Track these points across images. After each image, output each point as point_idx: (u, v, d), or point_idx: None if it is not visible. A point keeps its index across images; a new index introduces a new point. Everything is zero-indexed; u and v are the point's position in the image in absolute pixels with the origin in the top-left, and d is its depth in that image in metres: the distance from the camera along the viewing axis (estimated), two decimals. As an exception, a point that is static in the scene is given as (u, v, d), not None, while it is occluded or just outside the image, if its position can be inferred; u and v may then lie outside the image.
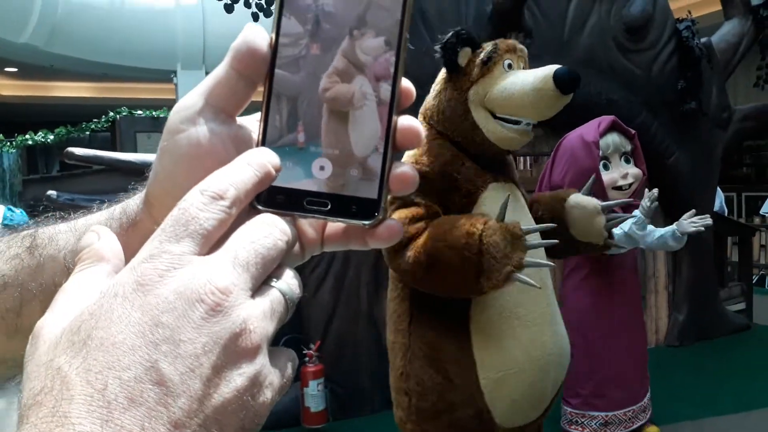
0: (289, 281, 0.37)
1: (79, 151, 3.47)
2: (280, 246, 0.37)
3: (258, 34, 0.39)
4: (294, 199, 0.39)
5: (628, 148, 2.96)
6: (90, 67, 13.30)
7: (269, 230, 0.36)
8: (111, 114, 9.96)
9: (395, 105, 0.40)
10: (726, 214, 7.20)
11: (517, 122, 1.79)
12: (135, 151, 8.05)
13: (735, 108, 5.30)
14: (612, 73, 4.43)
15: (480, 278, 1.64)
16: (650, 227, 2.94)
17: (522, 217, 1.86)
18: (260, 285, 0.36)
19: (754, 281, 5.98)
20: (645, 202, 2.72)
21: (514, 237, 1.65)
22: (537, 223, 1.91)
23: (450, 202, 1.84)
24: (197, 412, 0.31)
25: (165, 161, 0.40)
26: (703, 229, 2.89)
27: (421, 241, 1.73)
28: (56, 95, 14.96)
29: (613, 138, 2.93)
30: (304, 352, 3.34)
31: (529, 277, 1.75)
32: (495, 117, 1.81)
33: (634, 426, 3.08)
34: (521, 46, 1.87)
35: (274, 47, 0.40)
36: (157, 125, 9.89)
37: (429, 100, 1.94)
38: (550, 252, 2.01)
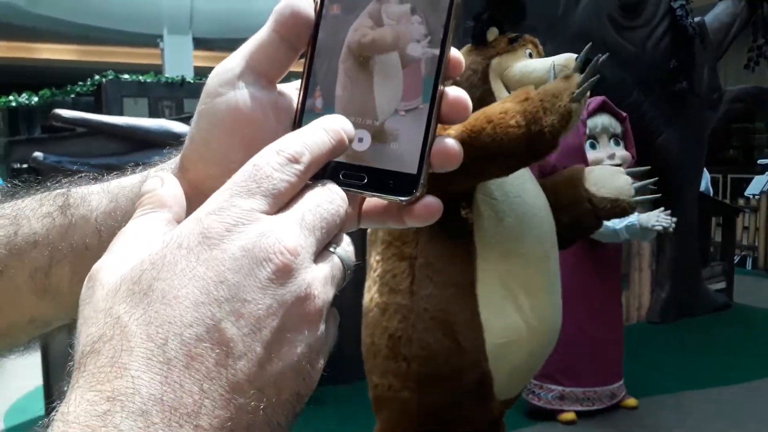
0: (347, 248, 0.37)
1: (65, 113, 3.41)
2: (342, 213, 0.36)
3: None
4: (331, 170, 0.37)
5: (618, 130, 2.97)
6: (72, 29, 13.02)
7: (333, 196, 0.36)
8: (97, 78, 9.78)
9: (441, 75, 0.38)
10: (711, 195, 7.27)
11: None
12: (121, 115, 7.93)
13: (725, 89, 5.32)
14: (605, 50, 4.37)
15: (544, 114, 1.62)
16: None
17: (527, 183, 1.90)
18: (321, 250, 0.35)
19: (735, 261, 6.06)
20: (651, 217, 2.81)
21: (567, 77, 1.68)
22: (557, 192, 2.02)
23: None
24: (257, 376, 0.30)
25: (202, 125, 0.39)
26: (662, 229, 2.86)
27: (468, 120, 1.64)
28: (39, 57, 14.66)
29: (602, 119, 2.93)
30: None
31: (534, 254, 1.83)
32: (509, 92, 1.86)
33: (595, 407, 3.13)
34: (540, 46, 2.00)
35: (319, 12, 0.39)
36: (143, 90, 9.74)
37: None
38: (563, 243, 2.03)
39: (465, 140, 1.63)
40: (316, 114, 0.38)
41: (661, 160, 4.68)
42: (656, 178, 2.04)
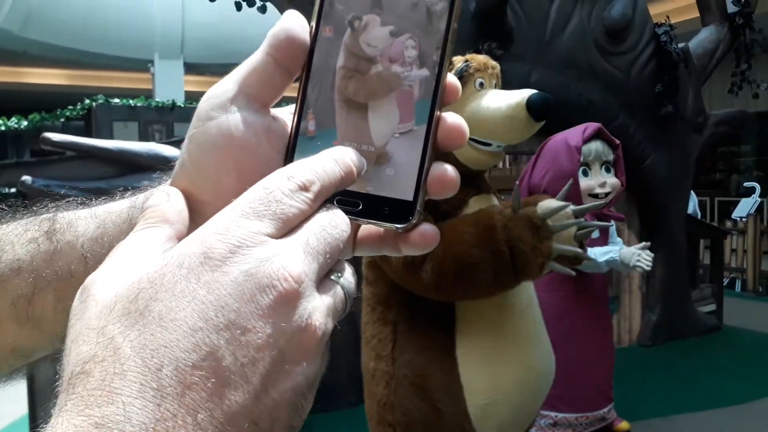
0: (349, 278, 0.36)
1: (55, 136, 3.40)
2: (345, 238, 0.34)
3: (298, 22, 0.37)
4: (328, 200, 0.36)
5: (611, 157, 2.99)
6: (65, 54, 13.08)
7: (337, 220, 0.34)
8: (87, 102, 9.79)
9: (438, 100, 0.37)
10: (699, 218, 7.33)
11: (488, 144, 1.75)
12: (111, 139, 7.93)
13: (710, 113, 5.40)
14: (592, 74, 4.48)
15: (515, 271, 1.59)
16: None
17: None
18: (323, 278, 0.33)
19: (724, 284, 6.09)
20: (634, 257, 2.78)
21: (534, 226, 1.58)
22: None
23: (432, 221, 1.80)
24: (252, 408, 0.29)
25: (193, 150, 0.38)
26: (642, 271, 2.88)
27: (436, 250, 1.58)
28: (29, 81, 14.67)
29: (596, 145, 2.95)
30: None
31: (520, 303, 1.79)
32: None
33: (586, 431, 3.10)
34: (493, 63, 1.81)
35: (314, 36, 0.38)
36: (134, 114, 9.75)
37: None
38: None
39: (435, 281, 1.64)
40: (309, 139, 0.38)
41: (648, 183, 4.73)
42: (599, 226, 1.93)
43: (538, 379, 1.84)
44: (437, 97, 0.37)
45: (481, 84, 1.76)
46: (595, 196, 2.91)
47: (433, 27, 0.37)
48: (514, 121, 1.64)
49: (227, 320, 0.29)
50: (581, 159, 2.89)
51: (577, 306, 3.06)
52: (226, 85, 0.38)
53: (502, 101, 1.67)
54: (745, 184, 10.14)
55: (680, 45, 4.85)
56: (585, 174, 2.94)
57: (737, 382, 4.04)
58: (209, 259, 0.30)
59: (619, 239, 3.13)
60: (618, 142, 3.02)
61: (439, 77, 0.37)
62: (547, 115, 1.64)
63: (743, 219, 7.86)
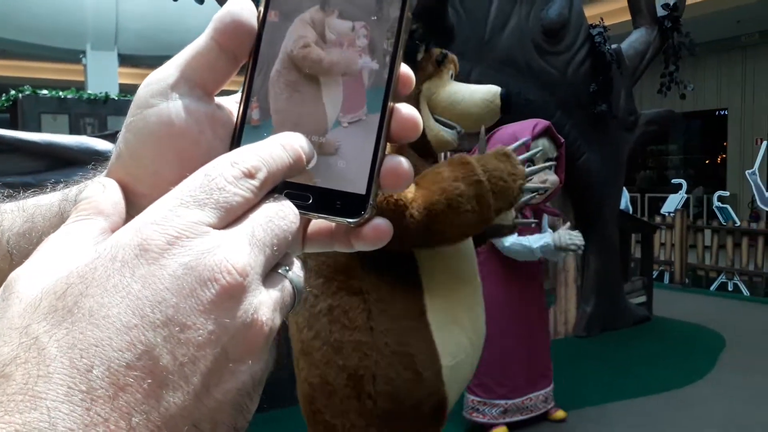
0: (298, 272, 0.33)
1: (-24, 129, 3.22)
2: (293, 230, 0.33)
3: (245, 6, 0.35)
4: (275, 190, 0.34)
5: (554, 155, 3.07)
6: (-12, 42, 12.40)
7: (285, 211, 0.33)
8: (13, 93, 9.32)
9: (392, 91, 0.36)
10: (630, 213, 7.62)
11: (451, 127, 1.90)
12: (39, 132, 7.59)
13: (641, 112, 5.61)
14: (530, 73, 4.58)
15: (496, 201, 1.69)
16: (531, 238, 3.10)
17: None
18: (270, 271, 0.32)
19: (654, 276, 6.36)
20: (564, 237, 2.91)
21: (506, 155, 1.74)
22: None
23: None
24: (192, 410, 0.27)
25: (130, 139, 0.35)
26: (575, 248, 2.99)
27: (421, 191, 1.70)
28: (-51, 71, 13.87)
29: (543, 142, 3.02)
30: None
31: (469, 271, 1.91)
32: (433, 117, 1.91)
33: (533, 414, 3.21)
34: (457, 64, 2.04)
35: (262, 21, 0.36)
36: (64, 107, 9.34)
37: None
38: None
39: (426, 218, 1.68)
40: (255, 128, 0.36)
41: (582, 180, 4.88)
42: (543, 194, 2.16)
43: (480, 341, 1.95)
44: (390, 87, 0.36)
45: (452, 76, 1.97)
46: (535, 190, 2.99)
47: (385, 15, 0.36)
48: (490, 107, 1.85)
49: (165, 316, 0.27)
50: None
51: (517, 290, 3.17)
52: (167, 71, 0.35)
53: (478, 88, 1.90)
54: (673, 180, 10.62)
55: (613, 46, 5.02)
56: None
57: (666, 370, 4.23)
58: (145, 252, 0.28)
59: (549, 230, 3.22)
60: (563, 140, 3.11)
61: (392, 66, 0.36)
62: (511, 110, 1.88)
63: (671, 214, 8.23)
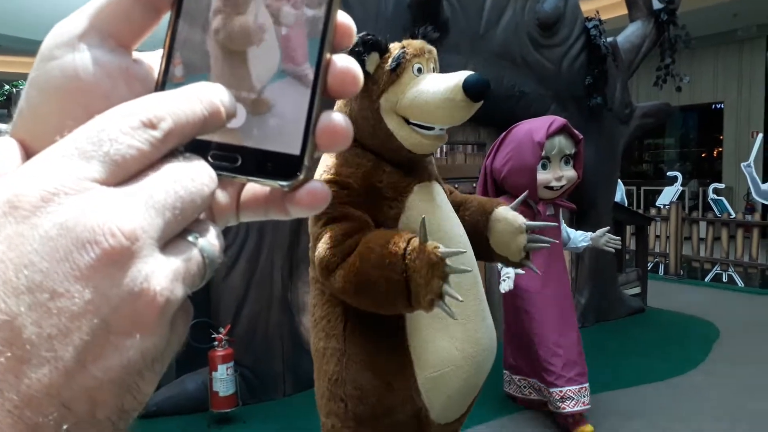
0: (212, 240, 0.30)
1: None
2: (206, 194, 0.29)
3: None
4: (196, 150, 0.31)
5: (572, 151, 3.10)
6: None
7: (197, 172, 0.29)
8: (7, 87, 9.28)
9: (327, 42, 0.33)
10: (626, 205, 7.64)
11: (430, 128, 1.77)
12: None
13: (636, 105, 5.63)
14: (525, 66, 4.59)
15: (409, 299, 1.63)
16: (568, 232, 3.34)
17: (444, 219, 1.86)
18: (174, 238, 0.28)
19: (649, 268, 6.39)
20: (602, 239, 3.17)
21: (432, 263, 1.60)
22: (463, 224, 1.93)
23: (378, 212, 1.80)
24: (62, 389, 0.24)
25: (32, 95, 0.31)
26: (613, 251, 3.31)
27: (350, 260, 1.68)
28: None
29: (560, 140, 3.06)
30: (212, 336, 3.28)
31: (465, 281, 1.82)
32: (408, 123, 1.77)
33: (582, 407, 3.13)
34: (429, 47, 1.83)
35: None
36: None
37: (340, 108, 1.85)
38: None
39: (342, 289, 1.67)
40: (178, 85, 0.32)
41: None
42: (548, 245, 2.02)
43: (482, 353, 1.90)
44: (326, 38, 0.33)
45: (419, 69, 1.78)
46: (550, 188, 3.03)
47: None
48: (452, 103, 1.67)
49: (31, 282, 0.24)
50: (543, 153, 2.99)
51: (560, 284, 3.24)
52: (76, 20, 0.31)
53: (440, 85, 1.69)
54: (669, 173, 10.65)
55: (609, 39, 5.03)
56: (544, 167, 3.05)
57: (660, 360, 4.26)
58: (15, 209, 0.24)
59: (564, 225, 3.41)
60: (581, 137, 3.14)
61: (328, 15, 0.33)
62: (484, 95, 1.68)
63: (666, 206, 8.25)
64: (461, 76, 1.67)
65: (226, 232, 3.51)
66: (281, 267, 3.67)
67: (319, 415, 1.96)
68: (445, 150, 4.98)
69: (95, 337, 0.25)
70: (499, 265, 2.95)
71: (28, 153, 0.30)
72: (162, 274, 0.27)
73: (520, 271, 2.89)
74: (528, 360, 3.23)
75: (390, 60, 1.74)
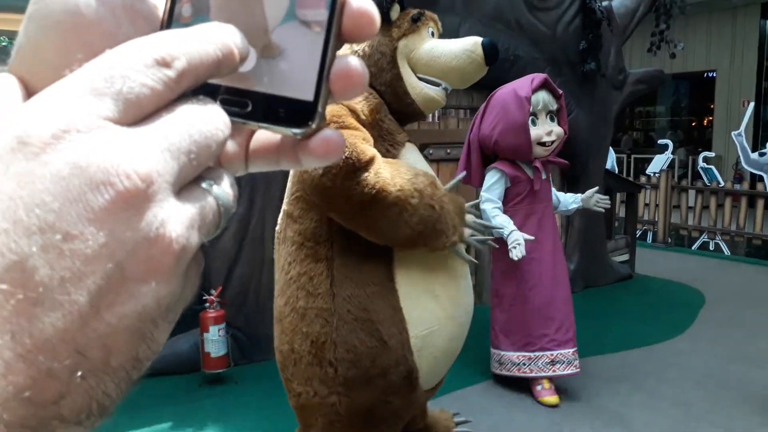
0: (226, 189, 0.29)
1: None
2: (220, 138, 0.28)
3: None
4: (206, 95, 0.30)
5: (555, 107, 3.08)
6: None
7: (210, 115, 0.28)
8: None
9: None
10: (616, 173, 7.65)
11: (436, 84, 1.86)
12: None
13: (629, 71, 5.58)
14: (519, 29, 4.53)
15: (431, 235, 1.68)
16: (558, 195, 3.35)
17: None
18: (188, 184, 0.27)
19: (637, 235, 6.43)
20: (591, 199, 3.24)
21: (462, 212, 1.74)
22: None
23: (377, 149, 1.78)
24: (76, 334, 0.23)
25: (31, 31, 0.29)
26: (603, 211, 3.32)
27: (386, 171, 1.65)
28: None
29: (543, 95, 3.03)
30: (204, 297, 3.27)
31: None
32: (416, 76, 1.86)
33: (573, 370, 3.14)
34: (439, 23, 1.98)
35: None
36: None
37: (353, 47, 1.89)
38: None
39: (371, 196, 1.63)
40: (185, 26, 0.30)
41: (570, 137, 4.85)
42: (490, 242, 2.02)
43: (463, 313, 1.92)
44: None
45: (432, 33, 1.91)
46: (543, 144, 3.01)
47: None
48: (472, 57, 1.79)
49: (43, 222, 0.23)
50: (530, 109, 2.96)
51: (554, 246, 3.25)
52: None
53: (457, 42, 1.83)
54: (660, 141, 10.66)
55: (604, 3, 4.97)
56: (533, 123, 3.03)
57: (647, 326, 4.32)
58: (24, 145, 0.23)
59: (554, 189, 3.39)
60: (561, 91, 3.11)
61: None
62: (496, 59, 1.80)
63: (656, 174, 8.28)
64: (478, 38, 1.83)
65: None
66: (272, 228, 3.64)
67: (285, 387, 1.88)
68: (438, 114, 4.93)
69: (110, 282, 0.24)
70: (504, 233, 2.91)
71: (27, 90, 0.29)
72: (178, 221, 0.26)
73: (528, 237, 2.87)
74: (517, 327, 3.22)
75: (416, 12, 1.89)
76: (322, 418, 1.80)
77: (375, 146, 1.76)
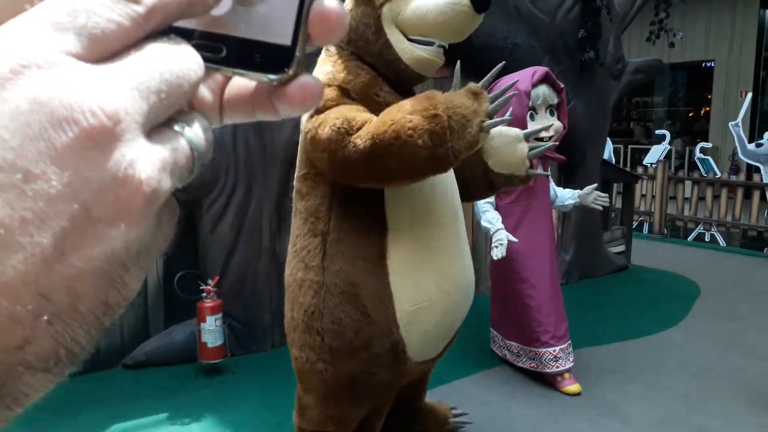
0: (198, 132, 0.28)
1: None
2: (193, 79, 0.27)
3: None
4: (175, 35, 0.28)
5: (555, 101, 3.05)
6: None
7: (182, 55, 0.27)
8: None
9: None
10: (613, 163, 7.64)
11: (429, 44, 1.78)
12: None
13: (628, 60, 5.56)
14: (518, 17, 4.49)
15: (453, 139, 1.53)
16: (556, 190, 3.33)
17: None
18: (158, 126, 0.26)
19: (634, 226, 6.43)
20: (589, 196, 3.17)
21: (476, 94, 1.58)
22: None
23: None
24: (39, 278, 0.23)
25: None
26: (601, 208, 3.26)
27: (374, 122, 1.59)
28: None
29: (543, 89, 3.01)
30: (201, 287, 3.26)
31: (446, 217, 1.82)
32: (408, 39, 1.77)
33: (570, 364, 3.15)
34: None
35: None
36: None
37: None
38: (466, 195, 2.03)
39: (369, 148, 1.57)
40: None
41: (569, 126, 4.85)
42: (554, 144, 1.97)
43: (458, 290, 1.91)
44: None
45: None
46: (540, 139, 3.00)
47: None
48: (457, 9, 1.65)
49: (1, 160, 0.22)
50: (529, 103, 2.94)
51: (550, 240, 3.23)
52: None
53: None
54: (657, 132, 10.65)
55: (604, -9, 4.93)
56: (532, 118, 3.01)
57: (643, 317, 4.33)
58: None
59: (552, 183, 3.40)
60: (562, 86, 3.09)
61: None
62: (487, 6, 1.65)
63: (653, 165, 8.27)
64: None
65: (213, 183, 3.40)
66: (270, 218, 3.63)
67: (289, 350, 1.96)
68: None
69: (75, 224, 0.23)
70: (491, 230, 2.91)
71: None
72: (148, 162, 0.25)
73: (512, 238, 2.87)
74: (512, 321, 3.23)
75: None
76: (314, 381, 1.89)
77: None
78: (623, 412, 2.93)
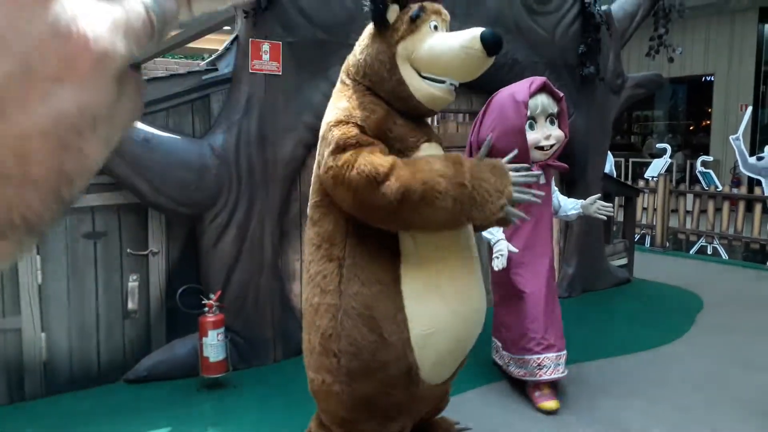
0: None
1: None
2: None
3: None
4: None
5: (555, 110, 3.07)
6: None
7: None
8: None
9: None
10: (614, 177, 7.65)
11: (441, 81, 1.85)
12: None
13: (628, 75, 5.59)
14: (518, 33, 4.53)
15: (472, 210, 1.69)
16: (560, 199, 3.33)
17: None
18: None
19: (636, 239, 6.43)
20: (593, 206, 3.20)
21: (501, 171, 1.73)
22: None
23: None
24: None
25: None
26: (605, 218, 3.28)
27: (406, 172, 1.70)
28: None
29: (542, 99, 3.02)
30: (203, 302, 3.26)
31: (458, 243, 1.88)
32: (420, 76, 1.84)
33: (559, 374, 3.10)
34: (445, 11, 1.93)
35: None
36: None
37: (355, 55, 1.94)
38: None
39: (398, 202, 1.68)
40: None
41: (569, 141, 4.86)
42: (539, 175, 2.02)
43: (472, 314, 1.94)
44: None
45: (435, 27, 1.87)
46: (541, 148, 3.01)
47: None
48: (470, 53, 1.75)
49: None
50: (528, 113, 2.95)
51: (548, 252, 3.21)
52: None
53: (457, 37, 1.79)
54: (658, 145, 10.67)
55: (603, 7, 4.97)
56: (531, 127, 3.01)
57: (645, 330, 4.31)
58: None
59: (556, 188, 3.38)
60: (561, 94, 3.10)
61: None
62: (499, 49, 1.75)
63: (654, 179, 8.28)
64: (477, 29, 1.77)
65: (215, 198, 3.37)
66: (271, 234, 3.64)
67: (306, 373, 1.99)
68: (437, 118, 4.94)
69: (15, 80, 0.22)
70: (492, 240, 2.92)
71: None
72: (96, 20, 0.23)
73: (513, 248, 2.88)
74: (504, 328, 3.23)
75: (411, 11, 1.85)
76: (330, 403, 1.92)
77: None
78: (626, 427, 2.92)
